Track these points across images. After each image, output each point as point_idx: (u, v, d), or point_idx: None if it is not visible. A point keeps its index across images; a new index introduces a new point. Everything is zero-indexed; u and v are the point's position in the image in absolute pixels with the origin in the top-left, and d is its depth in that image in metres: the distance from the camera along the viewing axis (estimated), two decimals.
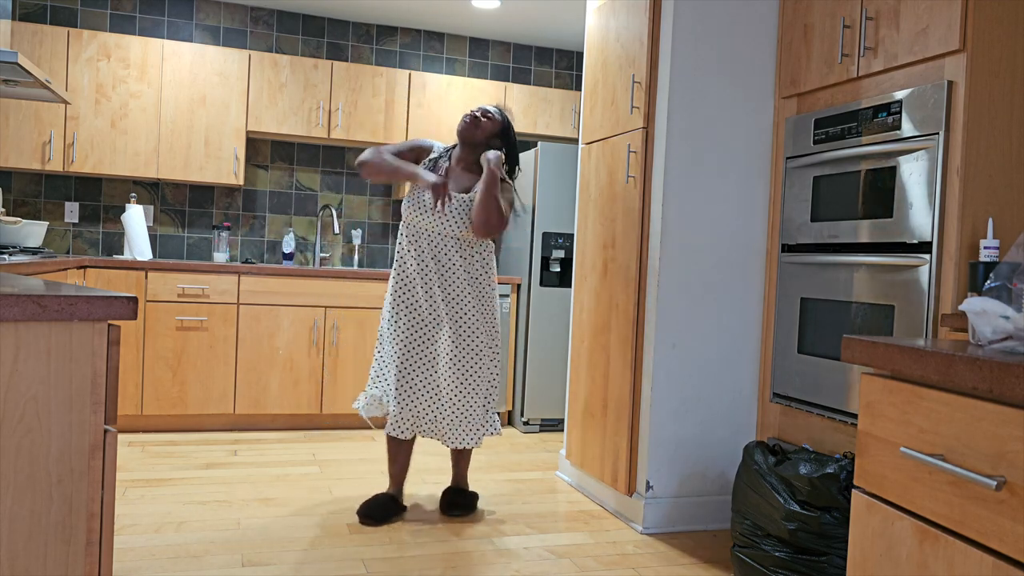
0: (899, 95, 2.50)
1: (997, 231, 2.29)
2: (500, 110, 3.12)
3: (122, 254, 4.72)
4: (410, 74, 4.97)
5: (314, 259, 5.16)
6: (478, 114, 3.04)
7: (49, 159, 4.38)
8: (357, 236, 5.19)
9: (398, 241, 3.10)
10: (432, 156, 3.12)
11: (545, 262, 4.76)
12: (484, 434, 3.11)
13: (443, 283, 3.01)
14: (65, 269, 3.59)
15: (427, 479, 3.65)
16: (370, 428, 4.63)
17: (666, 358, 3.06)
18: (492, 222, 2.92)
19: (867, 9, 2.63)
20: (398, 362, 3.02)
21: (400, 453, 3.14)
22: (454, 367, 3.02)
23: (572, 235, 4.80)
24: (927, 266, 2.37)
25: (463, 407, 3.04)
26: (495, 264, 3.16)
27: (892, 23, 2.53)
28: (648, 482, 3.05)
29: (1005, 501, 0.99)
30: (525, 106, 5.19)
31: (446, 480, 3.65)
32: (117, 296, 1.16)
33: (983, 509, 1.02)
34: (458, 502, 3.16)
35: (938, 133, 2.35)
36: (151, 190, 4.86)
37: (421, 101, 4.99)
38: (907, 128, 2.46)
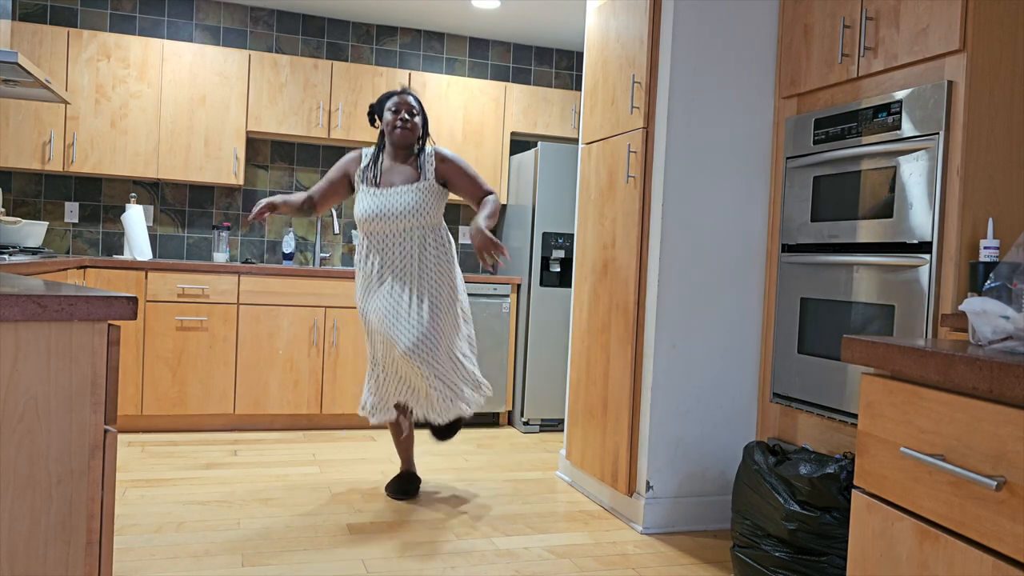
0: (899, 95, 2.50)
1: (997, 231, 2.29)
2: (412, 96, 3.21)
3: (122, 254, 4.72)
4: (410, 74, 4.97)
5: (314, 259, 5.16)
6: (407, 118, 3.17)
7: (49, 159, 4.38)
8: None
9: (360, 242, 3.26)
10: (364, 164, 3.27)
11: (545, 262, 4.76)
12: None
13: (412, 272, 3.16)
14: (65, 269, 3.59)
15: (427, 479, 3.65)
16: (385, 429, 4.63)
17: (666, 358, 3.06)
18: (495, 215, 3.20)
19: (867, 9, 2.63)
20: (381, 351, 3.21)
21: (398, 431, 3.41)
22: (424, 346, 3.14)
23: (572, 235, 4.80)
24: (927, 266, 2.37)
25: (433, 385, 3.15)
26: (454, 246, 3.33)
27: (892, 23, 2.53)
28: (648, 482, 3.05)
29: (1005, 501, 0.99)
30: (525, 106, 5.19)
31: (447, 480, 3.66)
32: (117, 296, 1.16)
33: (983, 509, 1.02)
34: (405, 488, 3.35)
35: (938, 133, 2.35)
36: (151, 190, 4.86)
37: (421, 101, 4.98)
38: (907, 128, 2.46)
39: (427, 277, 3.16)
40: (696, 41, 3.05)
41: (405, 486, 3.35)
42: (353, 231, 5.21)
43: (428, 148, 3.26)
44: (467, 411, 3.17)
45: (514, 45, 5.52)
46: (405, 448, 3.42)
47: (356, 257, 3.28)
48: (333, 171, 3.31)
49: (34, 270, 2.91)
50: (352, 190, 3.33)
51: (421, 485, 3.52)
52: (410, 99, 3.19)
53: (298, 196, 3.28)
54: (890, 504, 1.21)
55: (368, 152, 3.30)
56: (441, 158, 3.23)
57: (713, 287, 3.11)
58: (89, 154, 4.44)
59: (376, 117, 3.29)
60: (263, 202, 3.12)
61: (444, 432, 3.37)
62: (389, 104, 3.21)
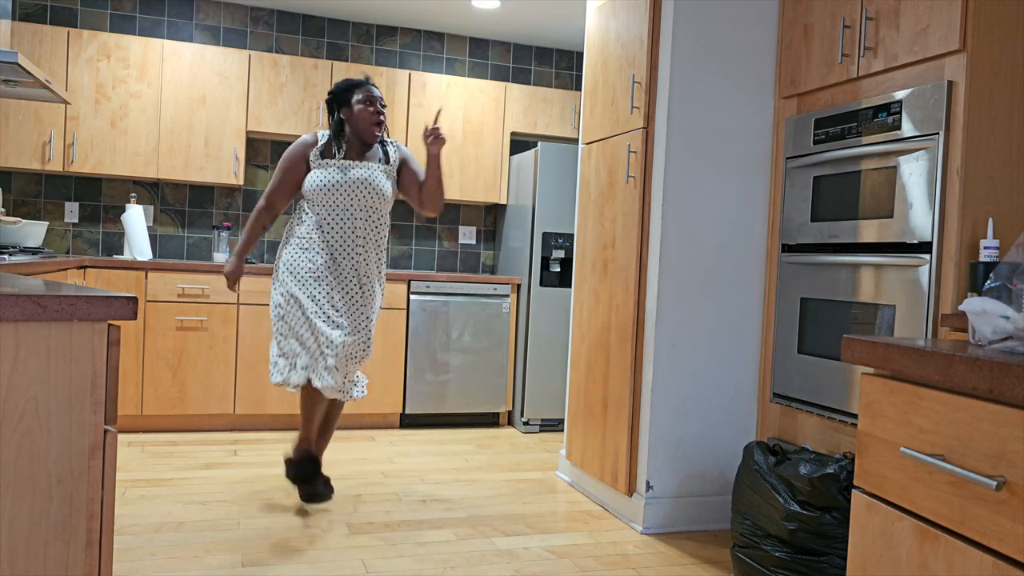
0: (899, 95, 2.50)
1: (997, 231, 2.29)
2: (376, 87, 3.11)
3: (122, 254, 4.72)
4: (410, 74, 4.97)
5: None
6: (384, 116, 3.08)
7: (49, 159, 4.38)
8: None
9: (306, 216, 3.07)
10: (320, 146, 3.08)
11: (545, 262, 4.76)
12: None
13: (360, 251, 3.05)
14: (65, 269, 3.59)
15: (426, 479, 3.65)
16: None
17: (666, 358, 3.06)
18: (441, 200, 3.15)
19: (867, 9, 2.63)
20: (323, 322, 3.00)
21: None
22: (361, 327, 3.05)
23: (572, 235, 4.80)
24: (927, 266, 2.37)
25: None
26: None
27: (892, 23, 2.53)
28: (648, 482, 3.05)
29: (1005, 501, 0.99)
30: (525, 106, 5.19)
31: (447, 480, 3.65)
32: (117, 296, 1.16)
33: (983, 509, 1.02)
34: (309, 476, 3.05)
35: (938, 133, 2.35)
36: (151, 190, 4.86)
37: (421, 101, 4.99)
38: (907, 128, 2.46)
39: (371, 267, 3.06)
40: (696, 41, 3.05)
41: (309, 472, 3.09)
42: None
43: (390, 139, 3.21)
44: (346, 396, 3.03)
45: (514, 45, 5.52)
46: (316, 422, 3.12)
47: (294, 230, 3.07)
48: (287, 161, 3.08)
49: (34, 270, 2.91)
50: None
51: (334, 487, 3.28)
52: (377, 91, 3.09)
53: (251, 232, 3.13)
54: (890, 504, 1.21)
55: (324, 134, 3.12)
56: (402, 153, 3.19)
57: (713, 287, 3.11)
58: (89, 154, 4.44)
59: (336, 106, 3.10)
60: (230, 280, 3.11)
61: (301, 472, 3.07)
62: (359, 97, 3.05)
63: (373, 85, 3.10)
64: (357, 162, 3.05)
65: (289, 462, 3.10)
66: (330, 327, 2.95)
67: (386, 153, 3.15)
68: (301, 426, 3.10)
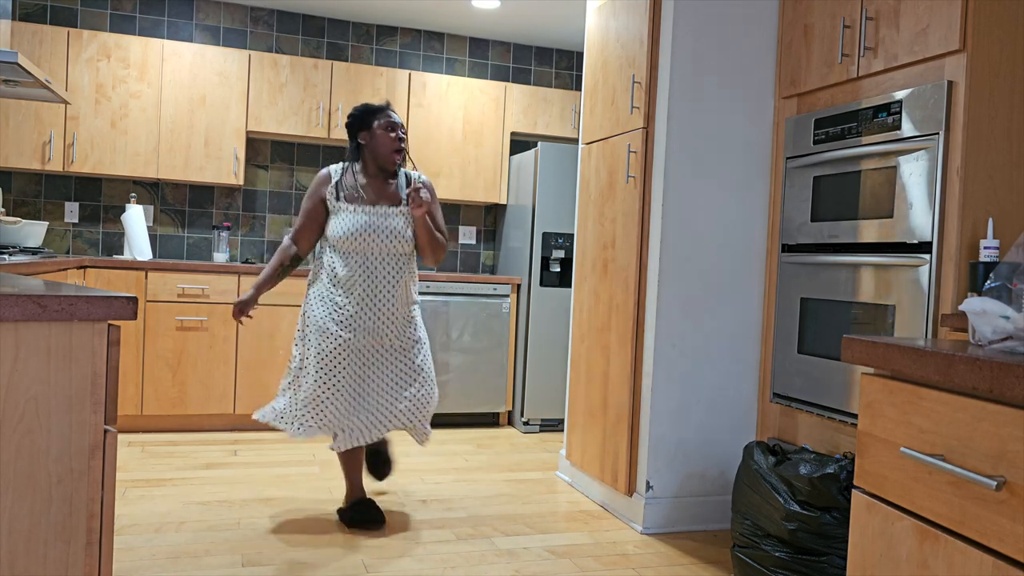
0: (899, 95, 2.50)
1: (997, 231, 2.29)
2: (395, 113, 3.02)
3: (122, 254, 4.72)
4: (410, 74, 4.97)
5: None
6: (404, 144, 2.98)
7: (49, 159, 4.38)
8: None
9: (328, 261, 2.99)
10: (335, 181, 2.98)
11: (545, 262, 4.76)
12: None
13: (383, 295, 2.95)
14: (65, 269, 3.59)
15: (426, 479, 3.65)
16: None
17: (666, 358, 3.06)
18: (440, 252, 3.04)
19: (867, 9, 2.63)
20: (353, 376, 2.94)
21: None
22: (406, 371, 3.01)
23: (572, 235, 4.80)
24: (927, 266, 2.37)
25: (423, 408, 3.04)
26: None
27: (892, 23, 2.53)
28: (648, 482, 3.05)
29: (1005, 501, 0.99)
30: (525, 106, 5.19)
31: (447, 480, 3.65)
32: (117, 296, 1.16)
33: (983, 509, 1.02)
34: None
35: (938, 133, 2.35)
36: (151, 190, 4.86)
37: (421, 101, 4.99)
38: (907, 128, 2.46)
39: (401, 310, 2.96)
40: (696, 41, 3.05)
41: (371, 513, 2.97)
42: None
43: (414, 173, 3.07)
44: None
45: (514, 45, 5.52)
46: (357, 467, 3.05)
47: (317, 274, 3.02)
48: (308, 201, 3.00)
49: (34, 270, 2.91)
50: (328, 212, 2.99)
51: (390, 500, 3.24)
52: (397, 117, 2.98)
53: (272, 270, 3.04)
54: (890, 504, 1.21)
55: (338, 168, 3.01)
56: (429, 188, 3.07)
57: (713, 287, 3.11)
58: (89, 154, 4.44)
59: (355, 130, 2.98)
60: (237, 309, 2.97)
61: (381, 467, 3.20)
62: (380, 122, 2.93)
63: (393, 111, 2.99)
64: (375, 207, 2.93)
65: (342, 511, 3.01)
66: (374, 396, 2.92)
67: (409, 184, 3.02)
68: (345, 477, 3.03)
